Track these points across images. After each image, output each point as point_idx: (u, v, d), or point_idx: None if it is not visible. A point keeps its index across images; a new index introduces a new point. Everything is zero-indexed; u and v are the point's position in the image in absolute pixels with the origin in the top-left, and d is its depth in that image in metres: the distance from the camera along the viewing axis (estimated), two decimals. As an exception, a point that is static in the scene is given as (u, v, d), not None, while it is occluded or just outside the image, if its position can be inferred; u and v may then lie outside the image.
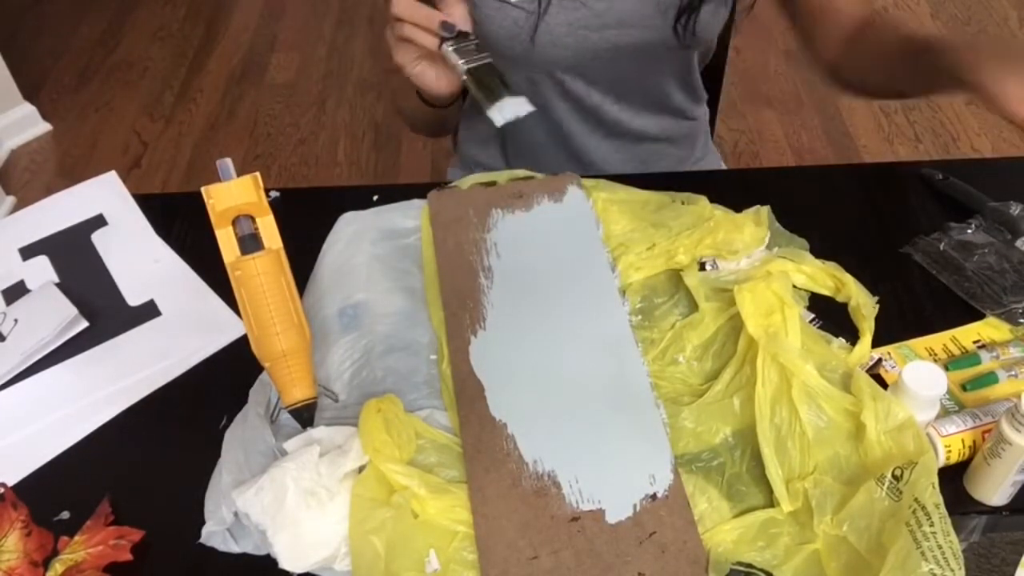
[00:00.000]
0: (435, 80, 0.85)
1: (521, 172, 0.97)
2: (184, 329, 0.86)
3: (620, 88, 1.05)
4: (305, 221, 0.91)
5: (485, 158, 1.16)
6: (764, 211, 0.89)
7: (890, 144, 2.31)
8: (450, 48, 0.80)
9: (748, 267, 0.86)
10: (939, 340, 0.81)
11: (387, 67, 1.06)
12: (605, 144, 1.10)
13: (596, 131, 1.09)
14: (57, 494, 0.73)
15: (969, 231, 0.89)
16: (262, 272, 0.71)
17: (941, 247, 0.87)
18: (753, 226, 0.87)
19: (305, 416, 0.74)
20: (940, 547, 0.60)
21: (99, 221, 0.98)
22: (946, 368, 0.78)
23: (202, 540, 0.69)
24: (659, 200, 0.92)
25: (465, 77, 0.80)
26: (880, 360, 0.79)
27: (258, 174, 0.73)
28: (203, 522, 0.70)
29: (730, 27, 1.13)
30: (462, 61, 0.80)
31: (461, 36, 0.81)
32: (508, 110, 0.79)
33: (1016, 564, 0.66)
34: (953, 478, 0.71)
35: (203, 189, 0.72)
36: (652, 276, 0.86)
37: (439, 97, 0.89)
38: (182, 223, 0.97)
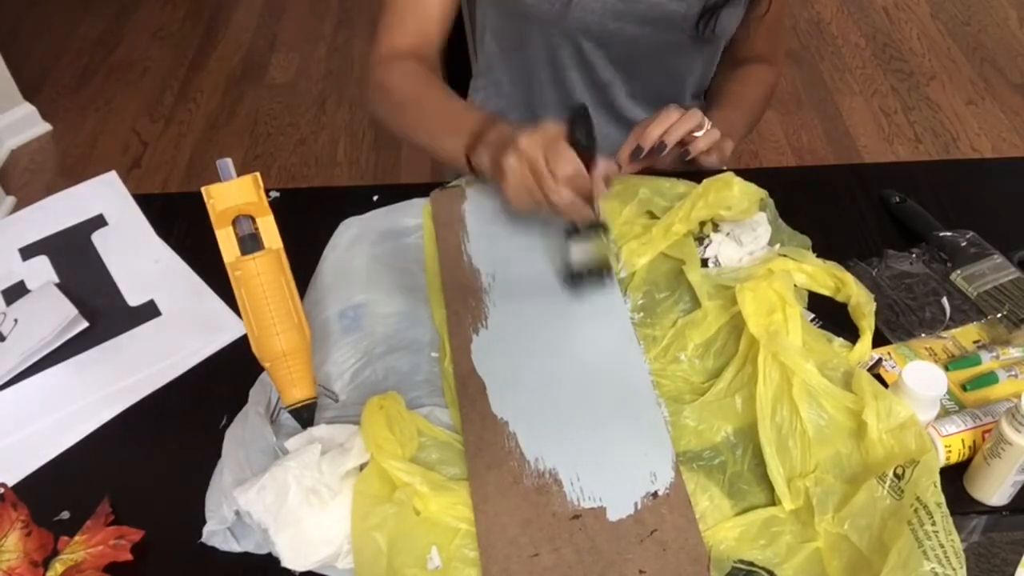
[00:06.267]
0: None
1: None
2: (184, 329, 0.86)
3: (634, 71, 1.06)
4: (305, 221, 0.91)
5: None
6: (767, 200, 0.89)
7: (890, 144, 2.31)
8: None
9: (750, 264, 0.86)
10: (939, 340, 0.81)
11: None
12: (610, 127, 1.11)
13: (606, 112, 1.11)
14: (57, 494, 0.73)
15: (908, 260, 0.88)
16: (262, 272, 0.71)
17: (874, 273, 0.87)
18: (742, 182, 0.87)
19: (305, 416, 0.74)
20: (942, 546, 0.60)
21: (99, 221, 0.98)
22: (946, 368, 0.78)
23: (203, 539, 0.69)
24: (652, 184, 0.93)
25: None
26: (880, 360, 0.79)
27: (258, 174, 0.73)
28: (203, 522, 0.69)
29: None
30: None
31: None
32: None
33: (1016, 564, 0.66)
34: (953, 478, 0.71)
35: (203, 189, 0.71)
36: (653, 271, 0.86)
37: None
38: (182, 223, 0.97)
